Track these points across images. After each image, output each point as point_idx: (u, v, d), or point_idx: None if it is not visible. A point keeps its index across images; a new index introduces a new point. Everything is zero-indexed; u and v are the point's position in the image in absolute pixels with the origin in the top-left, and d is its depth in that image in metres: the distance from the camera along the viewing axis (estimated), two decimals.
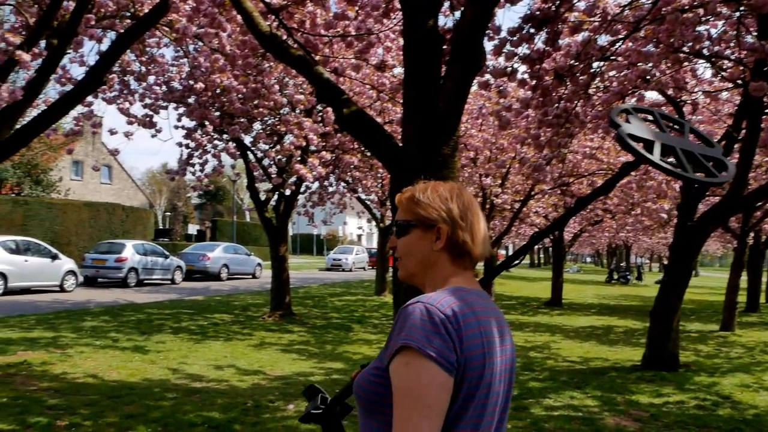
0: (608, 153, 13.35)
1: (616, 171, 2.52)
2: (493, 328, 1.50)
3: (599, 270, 68.66)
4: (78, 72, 62.56)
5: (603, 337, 13.82)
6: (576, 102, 7.14)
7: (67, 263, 19.61)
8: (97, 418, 5.85)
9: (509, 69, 6.18)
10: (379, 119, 11.21)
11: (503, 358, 1.51)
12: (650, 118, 2.14)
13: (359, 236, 74.32)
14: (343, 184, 15.98)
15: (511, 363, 1.56)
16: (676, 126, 2.16)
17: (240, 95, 9.42)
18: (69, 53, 7.78)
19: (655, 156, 1.87)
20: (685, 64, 7.81)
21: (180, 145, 11.90)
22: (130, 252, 22.24)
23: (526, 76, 6.63)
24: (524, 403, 7.17)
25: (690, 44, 6.53)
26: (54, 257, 19.15)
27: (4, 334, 10.46)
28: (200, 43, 9.40)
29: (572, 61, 6.65)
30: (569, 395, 7.67)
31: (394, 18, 6.66)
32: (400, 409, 1.36)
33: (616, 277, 40.32)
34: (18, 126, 7.87)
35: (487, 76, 6.46)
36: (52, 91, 25.71)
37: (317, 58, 6.05)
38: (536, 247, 66.91)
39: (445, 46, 4.12)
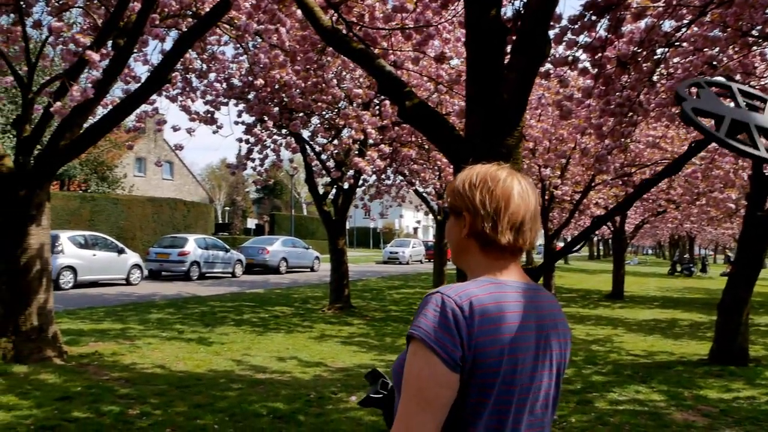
0: (672, 142, 13.01)
1: (684, 152, 2.39)
2: (530, 322, 1.45)
3: (661, 262, 67.06)
4: (141, 70, 64.20)
5: (667, 330, 13.51)
6: (639, 90, 6.98)
7: (132, 257, 20.21)
8: (167, 407, 6.02)
9: (570, 58, 6.08)
10: None
11: (540, 354, 1.46)
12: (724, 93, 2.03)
13: (415, 229, 74.38)
14: (400, 177, 16.00)
15: (552, 359, 1.50)
16: (756, 102, 2.01)
17: (298, 90, 9.53)
18: (134, 52, 8.00)
19: (721, 132, 1.75)
20: (754, 48, 7.53)
21: (240, 140, 12.11)
22: (192, 246, 22.77)
23: (587, 64, 6.51)
24: (588, 396, 7.07)
25: (759, 27, 6.30)
26: (120, 251, 19.76)
27: (76, 325, 10.85)
28: (259, 40, 9.54)
29: (635, 48, 6.50)
30: (634, 389, 7.53)
31: (453, 9, 6.63)
32: (403, 396, 1.39)
33: (679, 269, 39.32)
34: (86, 125, 8.16)
35: (548, 66, 6.37)
36: (116, 90, 26.40)
37: (376, 51, 6.07)
38: (595, 238, 65.72)
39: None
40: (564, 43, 6.01)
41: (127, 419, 5.61)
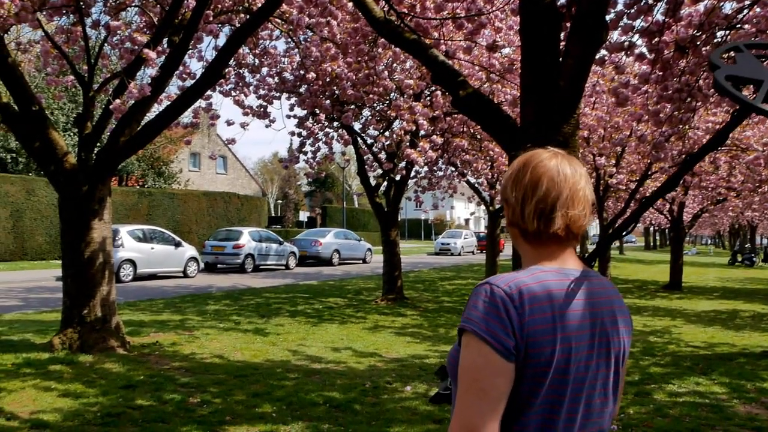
0: None
1: (727, 123, 2.25)
2: (584, 310, 1.42)
3: (721, 252, 65.29)
4: (196, 66, 65.33)
5: (728, 321, 13.15)
6: (699, 75, 6.79)
7: (189, 250, 20.64)
8: (226, 396, 6.15)
9: (627, 43, 5.95)
10: None
11: (596, 342, 1.42)
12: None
13: (467, 220, 74.06)
14: (452, 167, 15.94)
15: (609, 348, 1.45)
16: None
17: (350, 82, 9.58)
18: (189, 49, 8.15)
19: (758, 99, 1.57)
20: None
21: (292, 134, 12.23)
22: (247, 239, 23.14)
23: (644, 50, 6.36)
24: (646, 388, 6.95)
25: None
26: (177, 245, 20.19)
27: (137, 317, 11.15)
28: (310, 33, 9.61)
29: (694, 32, 6.32)
30: (694, 381, 7.36)
31: None
32: (459, 388, 1.37)
33: (740, 259, 38.24)
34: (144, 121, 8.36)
35: (603, 52, 6.25)
36: (171, 87, 26.99)
37: (427, 41, 6.05)
38: (651, 228, 64.35)
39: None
40: (620, 29, 5.89)
41: (189, 407, 5.75)
